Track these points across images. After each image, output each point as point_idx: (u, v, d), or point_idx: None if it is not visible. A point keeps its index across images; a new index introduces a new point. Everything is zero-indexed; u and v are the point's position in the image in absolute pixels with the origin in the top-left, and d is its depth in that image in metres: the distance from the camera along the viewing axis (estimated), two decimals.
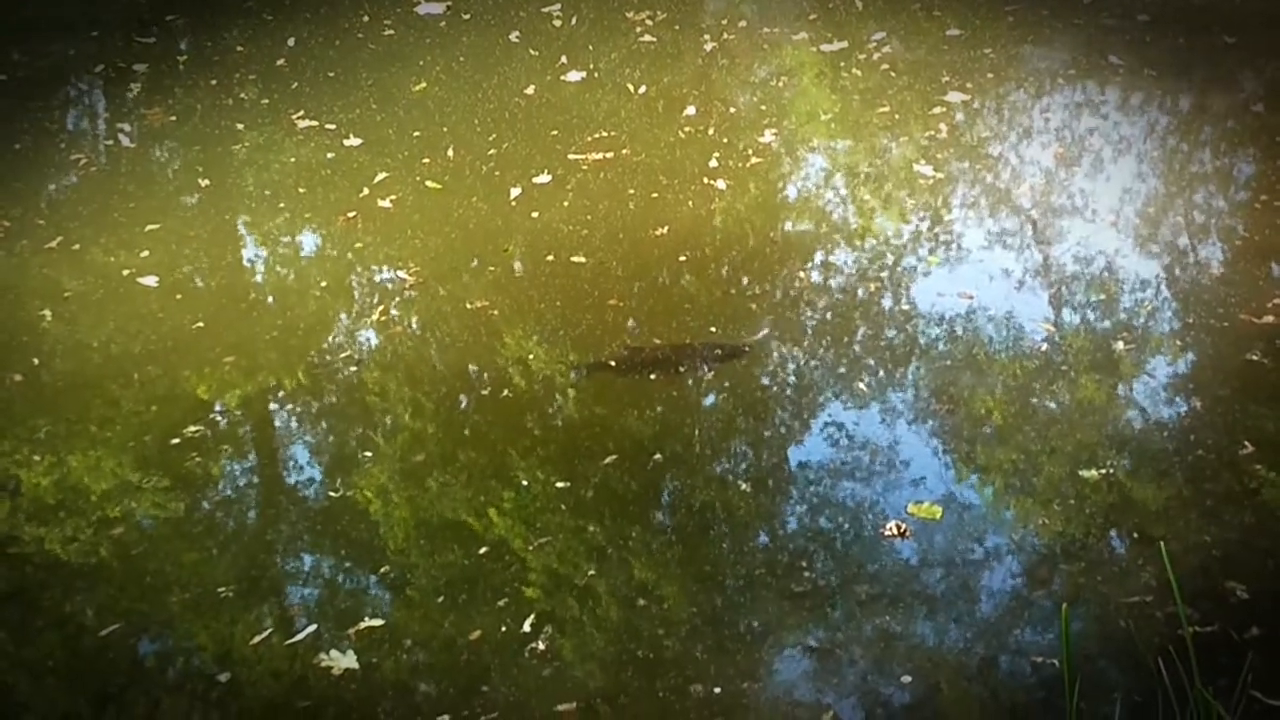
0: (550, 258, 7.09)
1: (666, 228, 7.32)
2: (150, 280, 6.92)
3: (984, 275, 6.80)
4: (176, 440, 5.68)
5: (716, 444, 5.62)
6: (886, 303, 6.68)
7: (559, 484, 5.25)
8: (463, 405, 6.03)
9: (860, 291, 6.79)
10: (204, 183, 8.13)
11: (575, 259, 7.05)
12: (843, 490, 5.24)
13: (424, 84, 9.40)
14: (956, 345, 6.18)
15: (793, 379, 6.13)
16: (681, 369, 6.06)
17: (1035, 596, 4.64)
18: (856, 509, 5.12)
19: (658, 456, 5.43)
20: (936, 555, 4.82)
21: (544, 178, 7.99)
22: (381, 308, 6.73)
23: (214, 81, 9.46)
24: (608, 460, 5.40)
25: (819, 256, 7.22)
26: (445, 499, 5.26)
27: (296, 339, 6.57)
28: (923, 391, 5.89)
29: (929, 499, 5.09)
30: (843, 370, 6.15)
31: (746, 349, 6.20)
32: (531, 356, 6.22)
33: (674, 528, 5.08)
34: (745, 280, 6.98)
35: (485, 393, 6.07)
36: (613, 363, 5.97)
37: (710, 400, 6.00)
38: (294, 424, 6.00)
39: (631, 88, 9.22)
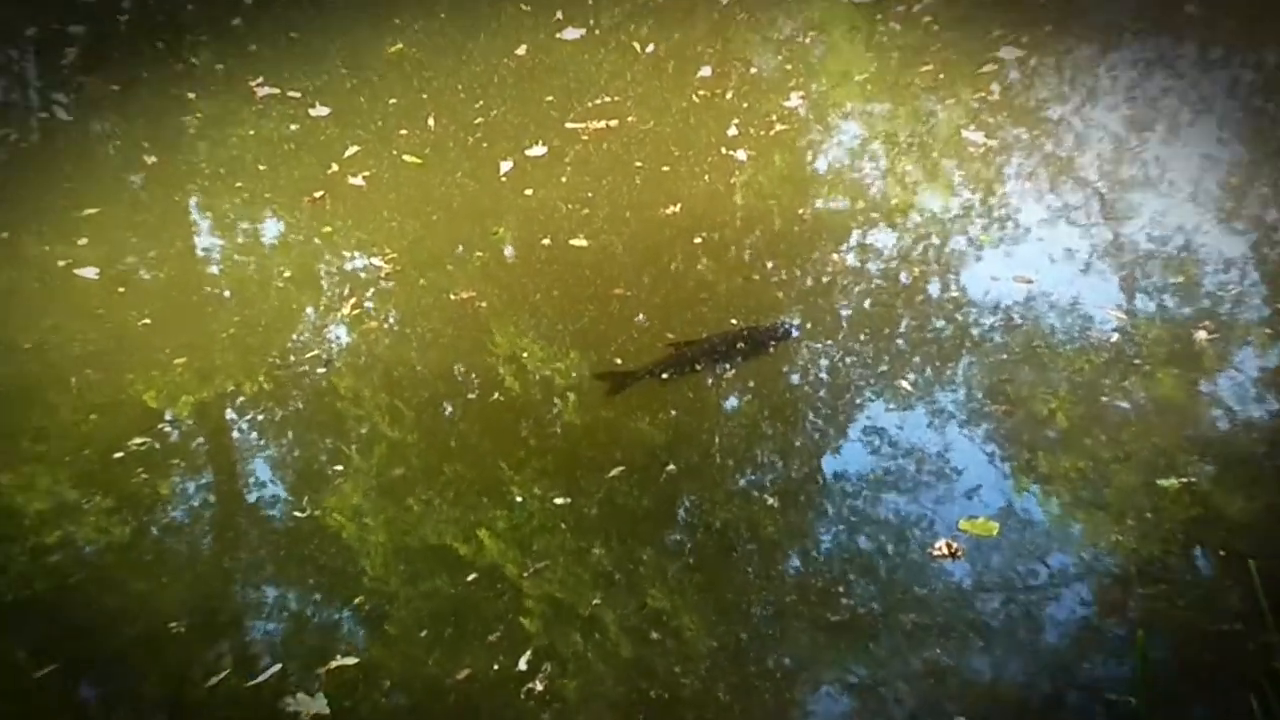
0: (546, 241, 7.09)
1: (679, 206, 7.31)
2: (90, 272, 6.94)
3: (1045, 256, 6.77)
4: (120, 454, 5.68)
5: (739, 452, 5.60)
6: (933, 289, 6.65)
7: (558, 500, 5.23)
8: (447, 412, 6.02)
9: (903, 276, 6.76)
10: (150, 160, 8.15)
11: (575, 242, 7.04)
12: (885, 504, 5.21)
13: (400, 45, 9.39)
14: (1014, 336, 6.15)
15: (826, 377, 6.10)
16: (699, 366, 6.04)
17: (1107, 624, 4.59)
18: (901, 526, 5.08)
19: (671, 467, 5.41)
20: (993, 578, 4.79)
21: (538, 150, 7.98)
22: (354, 301, 6.75)
23: (161, 44, 9.47)
24: (614, 472, 5.38)
25: (854, 237, 7.20)
26: (428, 519, 5.24)
27: (257, 337, 6.57)
28: (976, 390, 5.85)
29: (984, 513, 5.06)
30: (884, 367, 6.12)
31: (792, 329, 6.31)
32: (526, 354, 6.20)
33: (691, 549, 5.05)
34: (770, 265, 6.98)
35: (473, 397, 6.07)
36: (664, 374, 5.97)
37: (730, 402, 5.99)
38: (255, 435, 5.99)
39: (638, 46, 9.19)
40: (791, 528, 5.14)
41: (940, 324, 6.36)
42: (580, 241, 7.05)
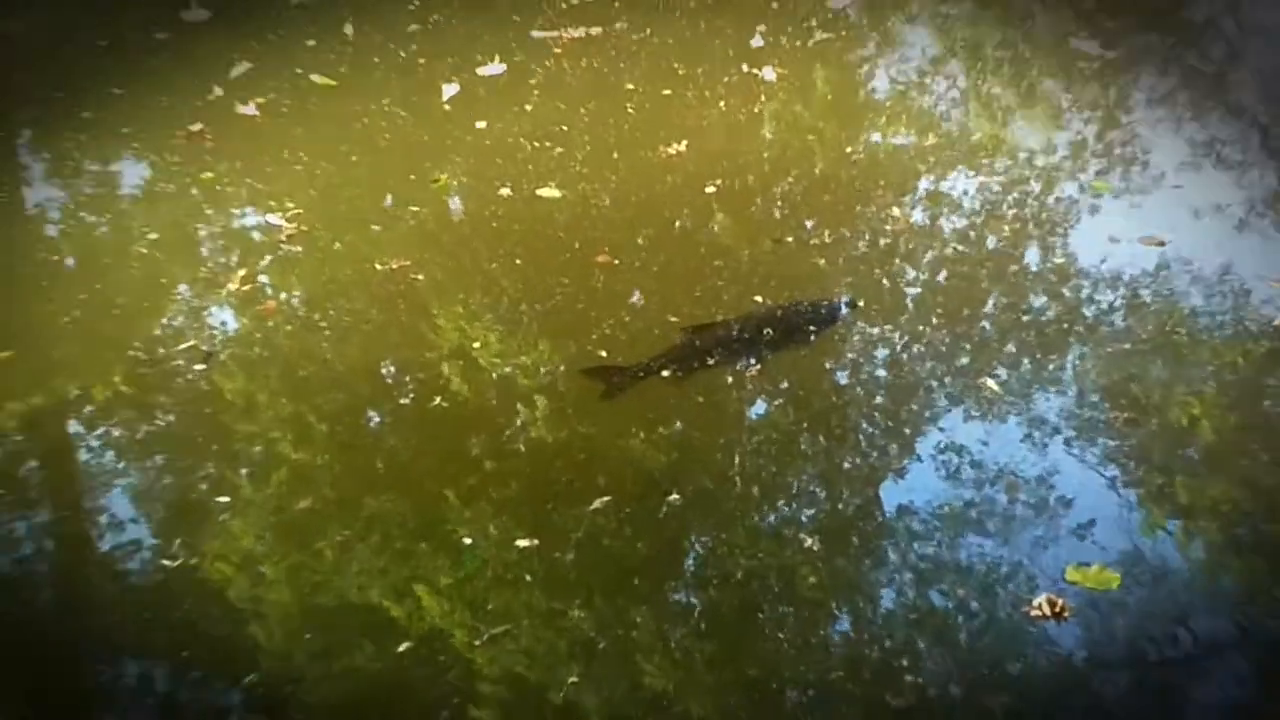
0: (505, 192, 7.14)
1: (685, 143, 7.33)
2: None
3: (1183, 210, 6.82)
4: None
5: (767, 477, 5.60)
6: (1030, 256, 6.68)
7: (521, 543, 5.23)
8: (373, 424, 6.01)
9: (990, 240, 6.79)
10: None
11: (544, 193, 7.08)
12: (965, 547, 5.21)
13: None
14: (1141, 319, 6.17)
15: (884, 375, 6.12)
16: (713, 360, 6.05)
17: (1267, 709, 4.59)
18: (987, 576, 5.08)
19: (675, 497, 5.41)
20: (1114, 647, 4.79)
21: (494, 67, 7.95)
22: (244, 273, 6.75)
23: None
24: (597, 504, 5.38)
25: (923, 185, 7.23)
26: (346, 569, 5.23)
27: (112, 323, 6.58)
28: (1089, 392, 5.86)
29: (1100, 559, 5.06)
30: (963, 360, 6.12)
31: (839, 308, 6.37)
32: (478, 345, 6.22)
33: (702, 610, 5.04)
34: (809, 223, 6.99)
35: (407, 403, 6.08)
36: (666, 371, 5.98)
37: (756, 408, 5.99)
38: (109, 456, 5.97)
39: None
40: (838, 579, 5.13)
41: (1039, 302, 6.37)
42: (551, 191, 7.08)
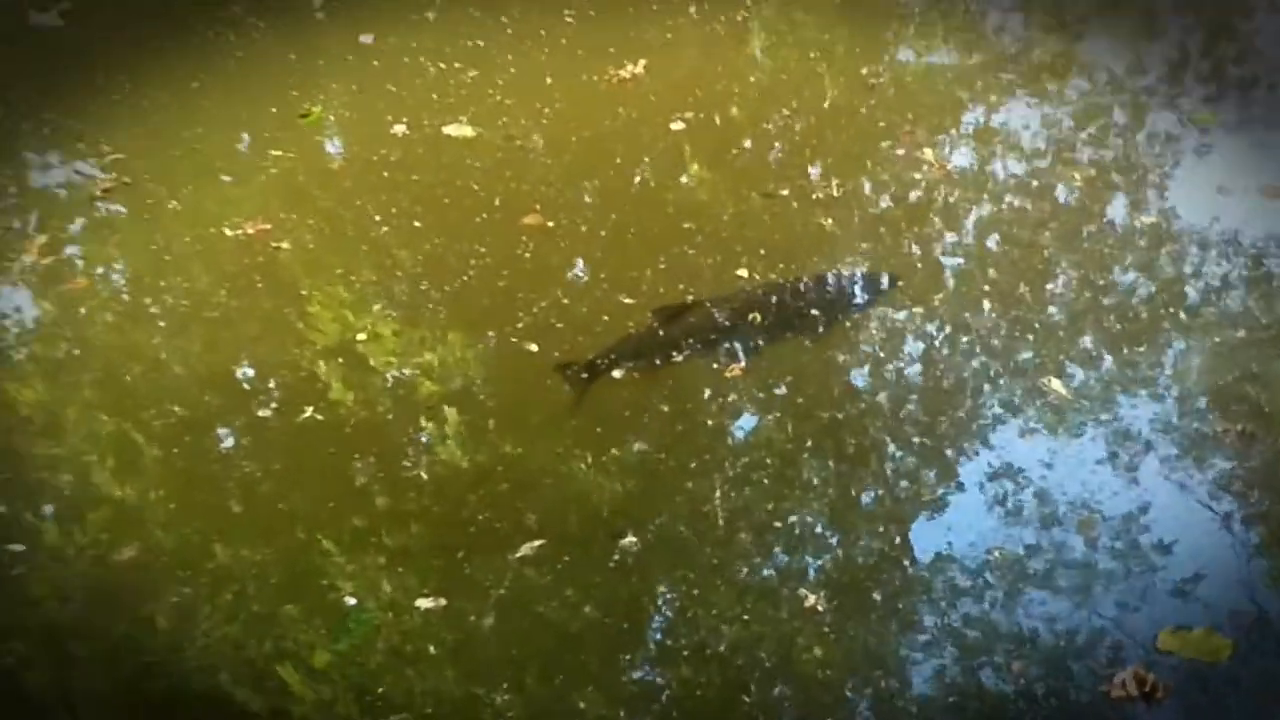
0: (400, 129, 7.23)
1: (641, 64, 7.42)
2: None
3: None
4: None
5: (753, 514, 5.60)
6: (1112, 212, 6.73)
7: (424, 603, 5.22)
8: (223, 444, 6.01)
9: (1058, 191, 6.85)
10: None
11: (452, 130, 7.18)
12: (1024, 607, 5.21)
13: None
14: (1262, 299, 6.22)
15: (911, 374, 6.16)
16: (677, 356, 6.05)
17: None
18: (1054, 646, 5.07)
19: (630, 540, 5.42)
20: None
21: None
22: (44, 240, 6.78)
23: None
24: (525, 550, 5.39)
25: (967, 117, 7.32)
26: (187, 643, 5.18)
27: None
28: (1191, 396, 5.90)
29: (1205, 621, 5.05)
30: (1018, 355, 6.15)
31: (855, 288, 6.42)
32: (364, 337, 6.27)
33: (669, 693, 5.03)
34: (812, 170, 7.06)
35: (268, 415, 6.08)
36: (616, 368, 5.98)
37: (741, 419, 6.00)
38: None
39: None
40: (852, 651, 5.12)
41: (1124, 276, 6.41)
42: (462, 129, 7.15)
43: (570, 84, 7.33)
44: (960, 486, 5.72)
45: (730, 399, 6.04)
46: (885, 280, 6.41)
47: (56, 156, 7.20)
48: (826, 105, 7.22)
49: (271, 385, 6.19)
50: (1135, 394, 5.94)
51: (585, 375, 6.00)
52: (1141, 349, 6.09)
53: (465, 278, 6.47)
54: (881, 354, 6.19)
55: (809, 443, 5.88)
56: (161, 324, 6.43)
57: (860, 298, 6.34)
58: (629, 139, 7.00)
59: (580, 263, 6.49)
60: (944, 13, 8.01)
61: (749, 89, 7.33)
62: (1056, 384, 5.98)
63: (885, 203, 6.80)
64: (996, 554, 5.40)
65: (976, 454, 5.83)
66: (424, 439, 5.91)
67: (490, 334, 6.22)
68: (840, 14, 7.85)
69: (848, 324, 6.26)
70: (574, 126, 7.07)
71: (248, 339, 6.34)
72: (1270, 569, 5.29)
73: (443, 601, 5.26)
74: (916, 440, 5.88)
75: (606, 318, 6.22)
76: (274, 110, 7.26)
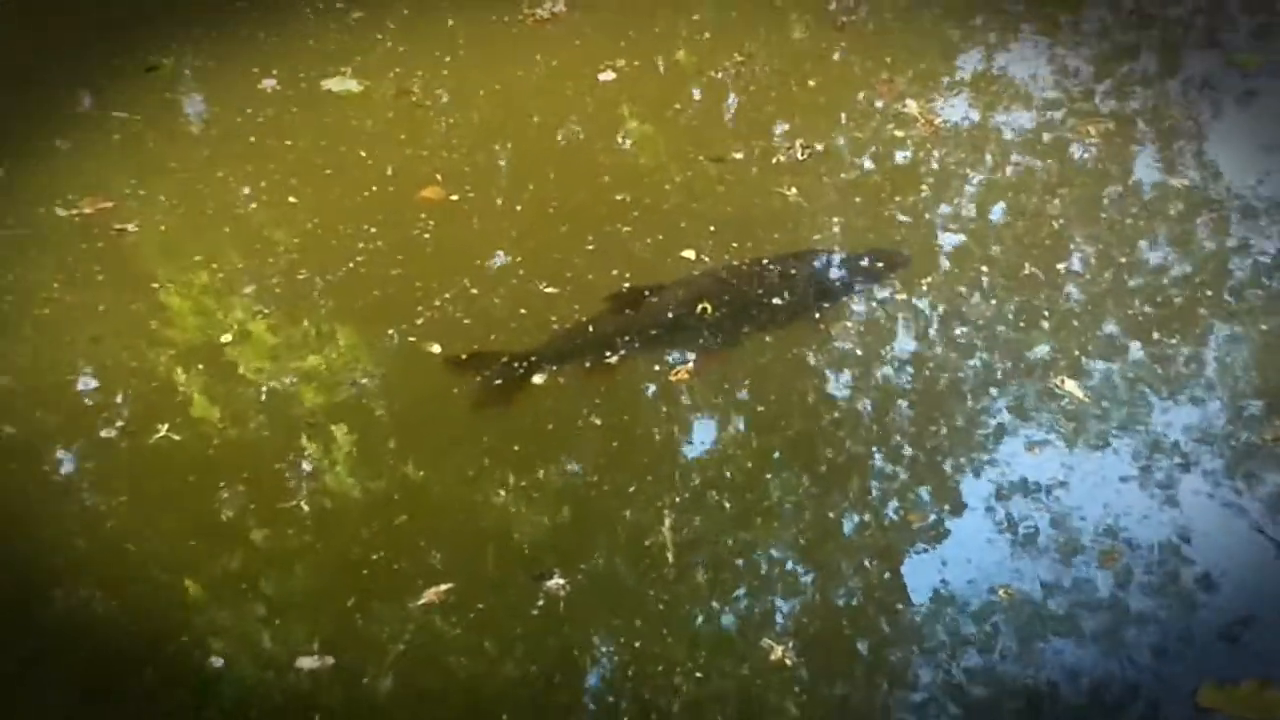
0: (270, 84, 7.24)
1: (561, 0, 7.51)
2: None
3: None
4: None
5: (706, 548, 5.58)
6: (1139, 172, 6.73)
7: (307, 661, 5.17)
8: (54, 471, 5.93)
9: (1073, 149, 6.88)
10: None
11: (332, 84, 7.22)
12: (1038, 656, 5.19)
13: None
14: None
15: (898, 374, 6.16)
16: (612, 356, 6.06)
17: None
18: (1078, 702, 5.07)
19: (558, 583, 5.41)
20: None
21: None
22: None
23: None
24: (430, 596, 5.36)
25: (962, 60, 7.36)
26: (13, 711, 5.18)
27: None
28: (1237, 398, 5.93)
29: (1256, 672, 5.04)
30: (1025, 349, 6.18)
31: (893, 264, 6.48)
32: (230, 339, 6.23)
33: None
34: (777, 128, 7.09)
35: (111, 435, 6.01)
36: (530, 370, 5.98)
37: (687, 433, 6.01)
38: None
39: None
40: (830, 713, 5.13)
41: (1154, 253, 6.44)
42: (346, 83, 7.18)
43: (477, 26, 7.34)
44: (958, 511, 5.74)
45: (677, 408, 6.05)
46: (866, 261, 6.43)
47: None
48: (788, 49, 7.22)
49: (118, 399, 6.17)
50: (1168, 396, 5.98)
51: (501, 381, 6.00)
52: (1175, 340, 6.13)
53: (352, 264, 6.46)
54: (860, 351, 6.20)
55: (775, 460, 5.90)
56: None
57: (834, 283, 6.34)
58: (549, 93, 7.02)
59: (492, 245, 6.48)
60: None
61: (695, 29, 7.34)
62: (1072, 385, 6.01)
63: (861, 167, 6.81)
64: (1003, 593, 5.42)
65: (977, 471, 5.86)
66: (306, 462, 5.91)
67: (385, 333, 6.22)
68: None
69: (817, 315, 6.26)
70: (482, 78, 7.08)
71: (87, 342, 6.32)
72: None
73: (330, 660, 5.25)
74: (905, 455, 5.90)
75: (524, 311, 6.23)
76: (116, 62, 7.22)
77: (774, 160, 6.78)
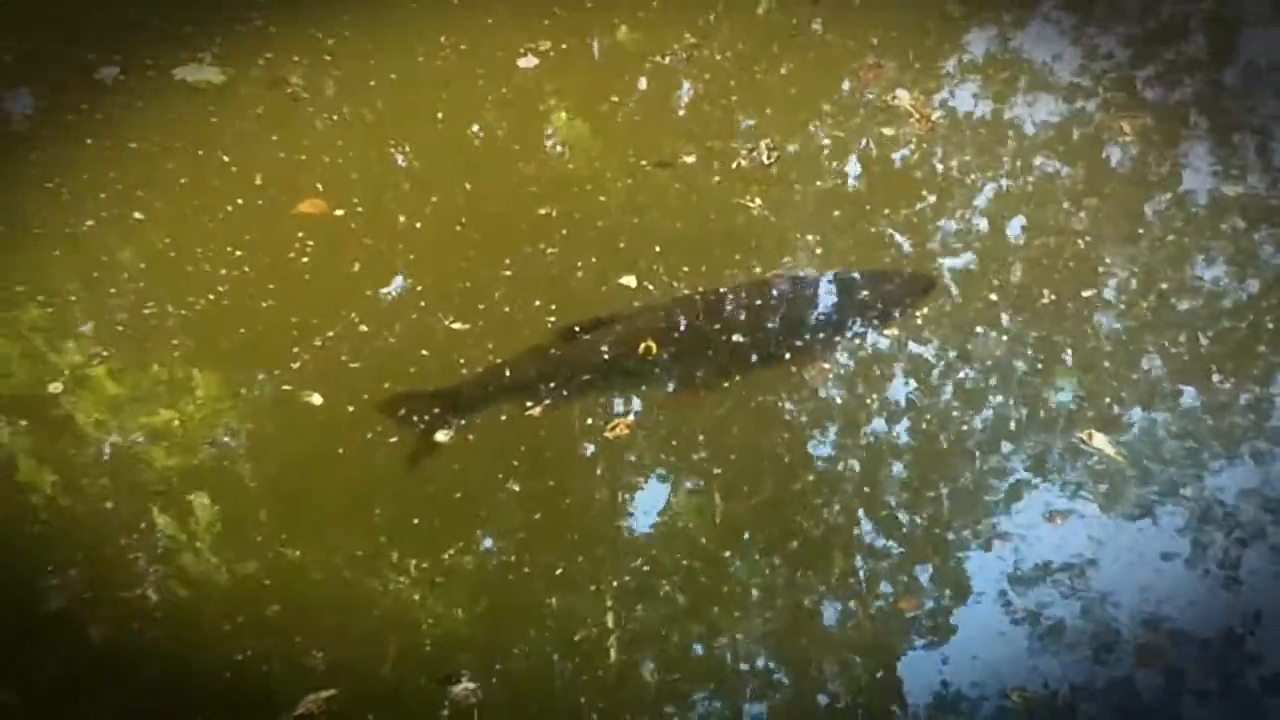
0: (111, 71, 7.27)
1: None
2: None
3: None
4: None
5: (655, 643, 5.55)
6: (1187, 177, 6.77)
7: None
8: None
9: (1108, 152, 6.91)
10: None
11: (187, 74, 7.21)
12: None
13: None
14: None
15: (889, 426, 6.17)
16: (558, 393, 6.04)
17: None
18: None
19: (467, 686, 5.33)
20: None
21: None
22: None
23: None
24: (309, 705, 5.29)
25: (968, 39, 7.43)
26: None
27: None
28: None
29: None
30: (1043, 393, 6.16)
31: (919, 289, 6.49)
32: (58, 387, 6.20)
33: None
34: (740, 122, 7.13)
35: None
36: (454, 416, 5.97)
37: (630, 497, 5.98)
38: None
39: None
40: None
41: (1203, 274, 6.44)
42: (203, 72, 7.15)
43: (368, 2, 7.33)
44: (963, 596, 5.73)
45: (615, 469, 6.03)
46: (856, 276, 6.42)
47: None
48: (752, 27, 7.23)
49: None
50: (1221, 453, 5.96)
51: (396, 439, 5.97)
52: (1229, 384, 6.13)
53: (213, 295, 6.43)
54: (842, 399, 6.20)
55: (738, 534, 5.87)
56: None
57: (810, 317, 6.32)
58: (457, 83, 7.02)
59: (385, 271, 6.46)
60: None
61: (637, 4, 7.35)
62: (1101, 440, 5.99)
63: (842, 173, 6.82)
64: (1018, 697, 5.42)
65: (986, 546, 5.86)
66: (157, 539, 5.86)
67: (254, 379, 6.20)
68: None
69: (788, 355, 6.24)
70: (374, 66, 7.06)
71: None
72: None
73: None
74: (898, 527, 5.89)
75: (426, 353, 6.22)
76: None
77: (734, 165, 6.79)
